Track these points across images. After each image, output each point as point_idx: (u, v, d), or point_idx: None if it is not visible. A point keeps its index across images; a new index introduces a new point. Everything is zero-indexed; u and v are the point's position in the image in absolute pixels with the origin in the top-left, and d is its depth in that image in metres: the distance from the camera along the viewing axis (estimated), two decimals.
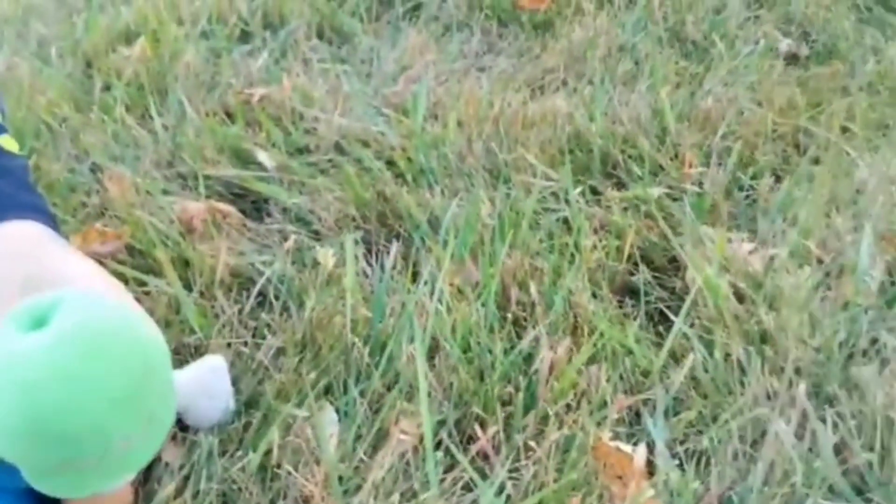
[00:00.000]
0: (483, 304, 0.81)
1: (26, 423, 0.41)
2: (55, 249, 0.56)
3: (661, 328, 0.82)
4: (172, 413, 0.49)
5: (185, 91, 1.17)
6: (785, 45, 1.39)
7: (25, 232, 0.58)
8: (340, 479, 0.66)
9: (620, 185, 1.02)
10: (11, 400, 0.41)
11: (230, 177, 1.01)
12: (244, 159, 1.06)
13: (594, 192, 1.01)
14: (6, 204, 0.60)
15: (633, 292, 0.87)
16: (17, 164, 0.66)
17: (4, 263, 0.54)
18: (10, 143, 0.70)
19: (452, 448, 0.67)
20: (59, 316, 0.43)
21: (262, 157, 1.05)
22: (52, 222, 0.62)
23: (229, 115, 1.14)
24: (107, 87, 1.19)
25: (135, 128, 1.09)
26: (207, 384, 0.68)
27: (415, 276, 0.87)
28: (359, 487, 0.66)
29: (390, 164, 1.04)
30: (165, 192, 0.98)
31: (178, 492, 0.65)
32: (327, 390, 0.74)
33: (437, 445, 0.68)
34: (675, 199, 0.98)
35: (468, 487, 0.67)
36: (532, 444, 0.69)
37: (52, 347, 0.42)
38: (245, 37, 1.35)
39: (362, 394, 0.73)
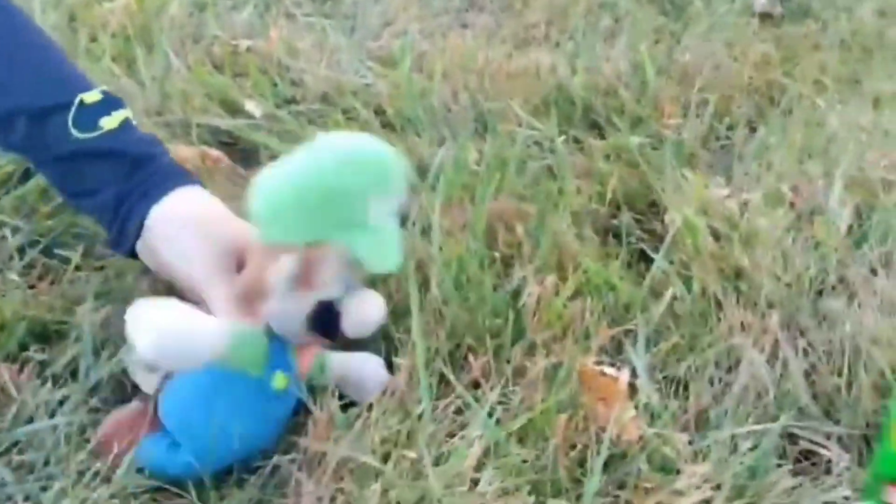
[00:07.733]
0: (471, 243, 0.83)
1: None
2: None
3: (642, 266, 0.85)
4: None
5: (171, 43, 1.17)
6: (760, 4, 1.42)
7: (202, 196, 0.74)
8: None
9: (602, 136, 1.05)
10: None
11: (220, 125, 1.02)
12: (232, 108, 1.07)
13: (577, 141, 1.04)
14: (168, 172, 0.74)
15: (615, 235, 0.90)
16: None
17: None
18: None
19: (447, 373, 0.70)
20: None
21: (250, 105, 1.07)
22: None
23: (216, 66, 1.15)
24: (92, 39, 1.19)
25: (122, 77, 1.10)
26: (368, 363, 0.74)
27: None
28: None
29: (378, 113, 1.06)
30: None
31: None
32: None
33: (433, 375, 0.71)
34: (654, 149, 1.01)
35: (460, 411, 0.70)
36: (520, 371, 0.72)
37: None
38: None
39: None
